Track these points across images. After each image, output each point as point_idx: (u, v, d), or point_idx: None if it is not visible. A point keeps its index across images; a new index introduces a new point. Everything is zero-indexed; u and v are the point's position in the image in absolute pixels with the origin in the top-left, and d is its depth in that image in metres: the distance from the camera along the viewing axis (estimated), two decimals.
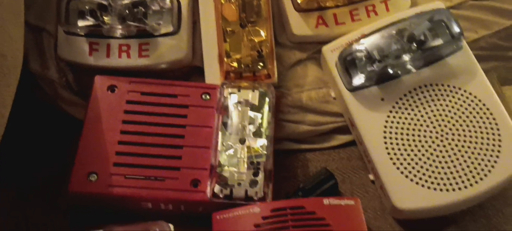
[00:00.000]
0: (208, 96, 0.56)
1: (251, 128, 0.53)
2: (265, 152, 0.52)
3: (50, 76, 0.58)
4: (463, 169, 0.51)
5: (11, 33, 0.50)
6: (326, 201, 0.49)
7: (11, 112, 0.47)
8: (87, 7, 0.55)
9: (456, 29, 0.54)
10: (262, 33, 0.57)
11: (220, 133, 0.52)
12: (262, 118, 0.54)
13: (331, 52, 0.57)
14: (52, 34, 0.59)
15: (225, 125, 0.53)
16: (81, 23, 0.56)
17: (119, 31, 0.56)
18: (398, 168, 0.52)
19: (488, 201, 0.54)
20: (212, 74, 0.58)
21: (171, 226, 0.48)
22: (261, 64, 0.57)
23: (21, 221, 0.51)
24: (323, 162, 0.58)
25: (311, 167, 0.57)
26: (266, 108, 0.54)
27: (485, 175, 0.50)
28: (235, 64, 0.57)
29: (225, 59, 0.57)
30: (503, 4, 0.62)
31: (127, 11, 0.56)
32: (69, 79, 0.58)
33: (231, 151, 0.52)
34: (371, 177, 0.55)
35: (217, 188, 0.51)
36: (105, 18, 0.55)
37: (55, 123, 0.57)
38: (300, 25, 0.60)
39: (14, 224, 0.50)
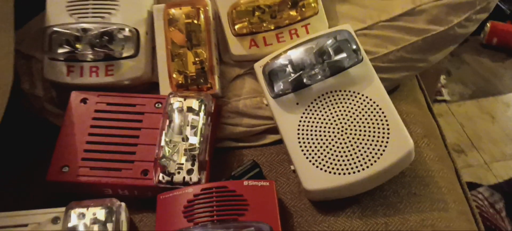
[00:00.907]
0: (160, 105, 0.69)
1: (191, 128, 0.66)
2: (199, 146, 0.64)
3: (38, 93, 0.73)
4: (358, 156, 0.62)
5: (3, 58, 0.65)
6: (245, 182, 0.62)
7: (6, 121, 0.62)
8: (64, 38, 0.70)
9: (354, 45, 0.66)
10: (204, 53, 0.71)
11: (164, 132, 0.66)
12: (199, 120, 0.67)
13: (260, 67, 0.71)
14: (39, 60, 0.74)
15: (169, 125, 0.66)
16: (60, 50, 0.71)
17: (89, 56, 0.71)
18: (307, 157, 0.64)
19: (386, 184, 0.65)
20: (165, 87, 0.71)
21: (123, 204, 0.61)
22: (203, 78, 0.71)
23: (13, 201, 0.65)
24: (256, 157, 0.70)
25: (245, 161, 0.70)
26: (202, 112, 0.67)
27: (375, 161, 0.62)
28: (181, 78, 0.70)
29: (174, 75, 0.70)
30: (408, 23, 0.74)
31: (96, 40, 0.71)
32: (53, 95, 0.73)
33: (172, 146, 0.65)
34: (292, 167, 0.67)
35: (160, 176, 0.64)
36: (79, 46, 0.70)
37: (36, 129, 0.72)
38: (237, 47, 0.73)
39: (7, 203, 0.64)
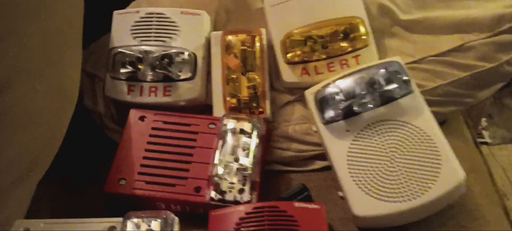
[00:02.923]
0: (214, 126, 0.72)
1: (243, 149, 0.68)
2: (251, 167, 0.66)
3: (99, 110, 0.77)
4: (408, 185, 0.63)
5: (71, 76, 0.69)
6: (296, 204, 0.63)
7: (70, 134, 0.65)
8: (127, 59, 0.75)
9: (405, 77, 0.68)
10: (257, 78, 0.74)
11: (217, 152, 0.68)
12: (251, 142, 0.69)
13: (311, 95, 0.73)
14: (102, 79, 0.78)
15: (223, 146, 0.69)
16: (123, 70, 0.75)
17: (149, 76, 0.75)
18: (357, 184, 0.65)
19: (435, 216, 0.65)
20: (218, 109, 0.74)
21: (176, 218, 0.63)
22: (256, 103, 0.73)
23: (74, 210, 0.68)
24: (303, 181, 0.71)
25: (293, 185, 0.71)
26: (255, 135, 0.69)
27: (427, 190, 0.62)
28: (235, 102, 0.73)
29: (228, 98, 0.74)
30: (457, 59, 0.75)
31: (157, 62, 0.75)
32: (113, 112, 0.77)
33: (225, 166, 0.67)
34: (340, 193, 0.68)
35: (213, 193, 0.66)
36: (140, 67, 0.75)
37: (96, 144, 0.76)
38: (289, 74, 0.76)
39: (67, 211, 0.67)
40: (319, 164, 0.73)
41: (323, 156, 0.73)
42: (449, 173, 0.63)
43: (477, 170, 0.73)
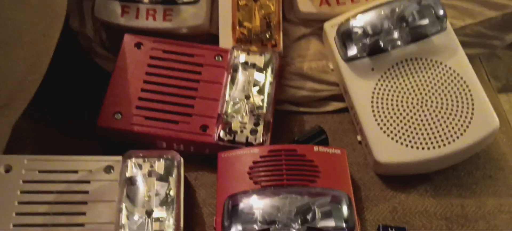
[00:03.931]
0: (220, 58, 0.64)
1: (256, 86, 0.61)
2: (265, 105, 0.59)
3: (87, 33, 0.67)
4: (438, 131, 0.58)
5: None
6: (316, 148, 0.57)
7: (55, 60, 0.56)
8: None
9: (440, 11, 0.61)
10: (271, 6, 0.65)
11: (228, 87, 0.60)
12: (265, 78, 0.62)
13: (331, 27, 0.65)
14: None
15: (233, 81, 0.61)
16: None
17: None
18: (381, 128, 0.59)
19: (461, 164, 0.61)
20: (226, 40, 0.66)
21: (182, 159, 0.56)
22: (269, 34, 0.65)
23: (61, 146, 0.60)
24: (318, 124, 0.65)
25: (307, 127, 0.65)
26: (269, 70, 0.62)
27: (458, 137, 0.57)
28: (245, 32, 0.65)
29: (237, 27, 0.65)
30: None
31: None
32: (103, 37, 0.68)
33: (235, 103, 0.60)
34: (359, 137, 0.63)
35: (222, 133, 0.59)
36: None
37: (89, 73, 0.67)
38: (305, 3, 0.68)
39: (55, 148, 0.59)
40: (335, 105, 0.67)
41: (340, 97, 0.66)
42: (483, 119, 0.58)
43: (500, 118, 0.69)
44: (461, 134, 0.57)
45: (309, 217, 0.49)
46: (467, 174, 0.61)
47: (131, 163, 0.54)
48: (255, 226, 0.49)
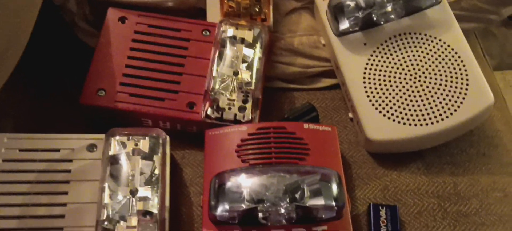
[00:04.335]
0: (208, 33, 0.62)
1: (244, 62, 0.59)
2: (254, 81, 0.58)
3: (70, 7, 0.64)
4: (431, 108, 0.56)
5: None
6: (305, 125, 0.55)
7: (38, 35, 0.54)
8: None
9: None
10: None
11: (215, 63, 0.58)
12: (254, 54, 0.60)
13: (323, 1, 0.63)
14: None
15: (220, 56, 0.59)
16: None
17: None
18: (373, 104, 0.57)
19: (453, 142, 0.59)
20: (213, 14, 0.64)
21: (167, 137, 0.55)
22: (258, 7, 0.63)
23: (44, 123, 0.58)
24: (309, 100, 0.63)
25: (297, 104, 0.63)
26: (258, 46, 0.60)
27: (451, 114, 0.56)
28: (234, 5, 0.63)
29: (226, 0, 0.63)
30: None
31: None
32: (86, 11, 0.65)
33: (223, 79, 0.58)
34: (350, 115, 0.61)
35: (209, 110, 0.57)
36: None
37: (73, 48, 0.64)
38: None
39: (37, 125, 0.58)
40: (326, 82, 0.65)
41: (331, 73, 0.64)
42: (478, 95, 0.56)
43: (495, 94, 0.67)
44: (455, 110, 0.56)
45: (297, 195, 0.47)
46: (460, 151, 0.59)
47: (115, 141, 0.52)
48: (243, 205, 0.48)
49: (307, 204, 0.47)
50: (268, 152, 0.52)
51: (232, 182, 0.49)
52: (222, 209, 0.48)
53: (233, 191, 0.48)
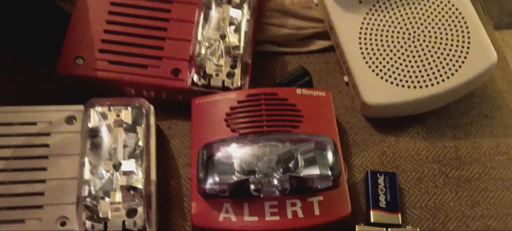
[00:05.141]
0: None
1: (232, 24, 0.55)
2: (242, 45, 0.54)
3: None
4: (431, 68, 0.53)
5: None
6: (298, 91, 0.52)
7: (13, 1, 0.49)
8: None
9: None
10: None
11: (200, 26, 0.55)
12: (242, 15, 0.56)
13: None
14: None
15: (206, 19, 0.55)
16: None
17: None
18: (369, 66, 0.54)
19: (454, 104, 0.56)
20: None
21: (151, 106, 0.51)
22: None
23: (20, 95, 0.55)
24: (302, 64, 0.60)
25: (289, 68, 0.60)
26: (246, 7, 0.56)
27: (452, 74, 0.53)
28: None
29: None
30: None
31: None
32: None
33: (209, 44, 0.54)
34: (346, 78, 0.58)
35: (196, 77, 0.53)
36: None
37: (47, 15, 0.60)
38: None
39: (12, 97, 0.54)
40: (320, 44, 0.61)
41: (325, 35, 0.61)
42: (480, 54, 0.53)
43: (497, 53, 0.64)
44: (456, 70, 0.53)
45: (291, 165, 0.45)
46: (461, 114, 0.56)
47: (94, 112, 0.49)
48: (233, 177, 0.45)
49: (301, 174, 0.44)
50: (259, 120, 0.49)
51: (221, 153, 0.46)
52: (211, 182, 0.45)
53: (223, 162, 0.46)
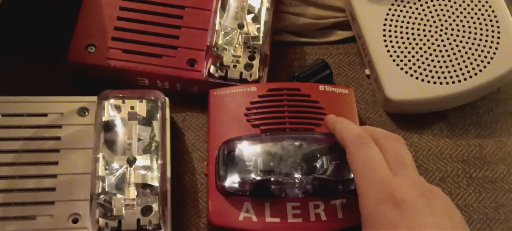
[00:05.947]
0: None
1: (250, 13, 0.53)
2: (261, 35, 0.52)
3: None
4: (458, 64, 0.51)
5: None
6: (321, 87, 0.50)
7: None
8: None
9: None
10: None
11: (218, 15, 0.52)
12: (261, 3, 0.53)
13: None
14: None
15: (223, 7, 0.53)
16: None
17: None
18: (394, 60, 0.52)
19: (479, 101, 0.55)
20: None
21: (167, 99, 0.49)
22: None
23: (29, 86, 0.52)
24: (321, 56, 0.58)
25: (308, 60, 0.58)
26: None
27: (480, 71, 0.51)
28: None
29: None
30: None
31: None
32: None
33: (226, 33, 0.52)
34: (367, 71, 0.56)
35: (212, 68, 0.51)
36: None
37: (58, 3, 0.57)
38: None
39: (17, 86, 0.52)
40: (340, 35, 0.59)
41: (346, 25, 0.58)
42: (510, 50, 0.51)
43: None
44: (484, 67, 0.51)
45: (315, 166, 0.43)
46: (486, 111, 0.55)
47: (108, 104, 0.46)
48: (254, 176, 0.43)
49: (325, 176, 0.43)
50: (282, 116, 0.47)
51: (243, 150, 0.44)
52: (231, 180, 0.43)
53: (244, 160, 0.44)
